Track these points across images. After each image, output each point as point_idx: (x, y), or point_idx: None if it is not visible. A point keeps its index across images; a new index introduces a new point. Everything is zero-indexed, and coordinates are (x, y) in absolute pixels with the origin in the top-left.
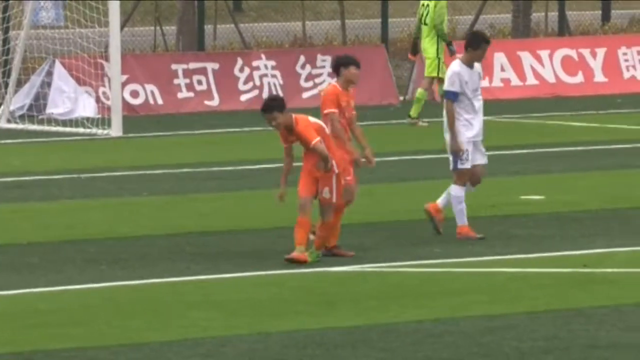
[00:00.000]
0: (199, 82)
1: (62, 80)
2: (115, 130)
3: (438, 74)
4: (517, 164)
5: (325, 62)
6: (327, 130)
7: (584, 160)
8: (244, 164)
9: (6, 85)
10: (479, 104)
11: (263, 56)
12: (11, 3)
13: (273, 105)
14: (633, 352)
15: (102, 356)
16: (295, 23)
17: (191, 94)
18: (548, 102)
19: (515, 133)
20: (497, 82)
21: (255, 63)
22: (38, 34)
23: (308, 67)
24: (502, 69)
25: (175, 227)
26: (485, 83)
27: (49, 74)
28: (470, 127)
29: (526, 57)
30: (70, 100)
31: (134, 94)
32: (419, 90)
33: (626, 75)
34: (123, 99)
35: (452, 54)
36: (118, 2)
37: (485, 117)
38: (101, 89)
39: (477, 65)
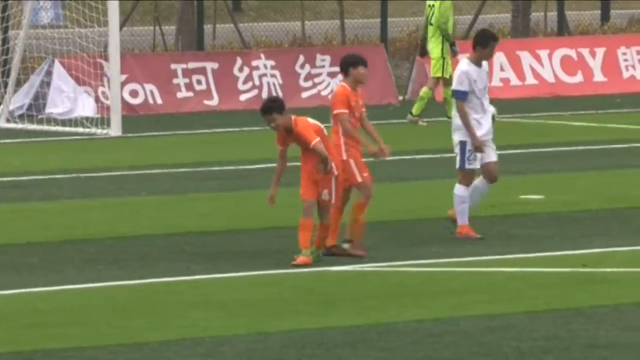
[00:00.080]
0: (199, 82)
1: (62, 79)
2: (115, 130)
3: (443, 74)
4: (517, 163)
5: (324, 61)
6: (340, 131)
7: (583, 160)
8: (243, 163)
9: (5, 84)
10: (486, 102)
11: (262, 56)
12: (10, 3)
13: (272, 107)
14: (632, 352)
15: (101, 356)
16: (295, 23)
17: (190, 94)
18: (547, 102)
19: (514, 133)
20: (496, 82)
21: (254, 63)
22: (37, 33)
23: (307, 66)
24: (502, 69)
25: (174, 227)
26: None
27: (48, 73)
28: (479, 126)
29: (525, 57)
30: (69, 99)
31: (133, 93)
32: (424, 89)
33: (625, 75)
34: (122, 98)
35: (454, 54)
36: (117, 1)
37: None
38: (100, 89)
39: (484, 63)
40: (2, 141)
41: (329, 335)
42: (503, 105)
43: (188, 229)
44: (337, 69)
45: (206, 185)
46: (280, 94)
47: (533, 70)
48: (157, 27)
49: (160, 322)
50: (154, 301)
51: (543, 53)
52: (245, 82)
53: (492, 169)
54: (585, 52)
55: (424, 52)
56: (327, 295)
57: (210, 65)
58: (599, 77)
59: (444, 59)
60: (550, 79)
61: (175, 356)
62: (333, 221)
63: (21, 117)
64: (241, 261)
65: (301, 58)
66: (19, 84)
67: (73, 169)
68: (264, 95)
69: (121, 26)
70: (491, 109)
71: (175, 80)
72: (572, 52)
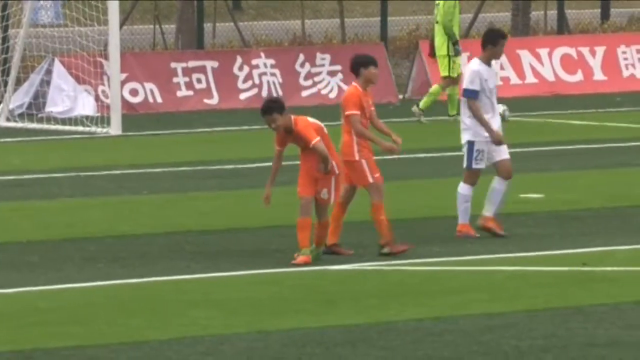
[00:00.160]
0: (199, 81)
1: (62, 78)
2: (115, 128)
3: (449, 72)
4: (517, 162)
5: (324, 60)
6: (351, 130)
7: (583, 159)
8: (243, 162)
9: (5, 83)
10: (495, 102)
11: (262, 55)
12: (10, 1)
13: (273, 107)
14: (632, 350)
15: (102, 354)
16: (295, 21)
17: (190, 93)
18: (547, 101)
19: (514, 132)
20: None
21: (254, 61)
22: (37, 32)
23: (307, 65)
24: (502, 68)
25: (174, 226)
26: None
27: (48, 72)
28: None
29: (525, 56)
30: (69, 98)
31: (133, 92)
32: (435, 86)
33: (625, 73)
34: (122, 97)
35: (457, 53)
36: (117, 0)
37: None
38: (100, 88)
39: (492, 63)
40: (2, 140)
41: (329, 334)
42: (503, 104)
43: (188, 228)
44: (337, 67)
45: (206, 184)
46: (280, 92)
47: (533, 69)
48: (157, 26)
49: (160, 320)
50: (154, 300)
51: (543, 52)
52: (245, 80)
53: (507, 165)
54: (585, 50)
55: (434, 52)
56: (327, 294)
57: (210, 64)
58: (599, 75)
59: (449, 57)
60: (550, 77)
61: (176, 355)
62: (336, 220)
63: (21, 115)
64: (241, 260)
65: (301, 57)
66: (19, 82)
67: (73, 167)
68: (264, 94)
69: (121, 25)
70: (501, 107)
71: (175, 79)
72: (572, 51)
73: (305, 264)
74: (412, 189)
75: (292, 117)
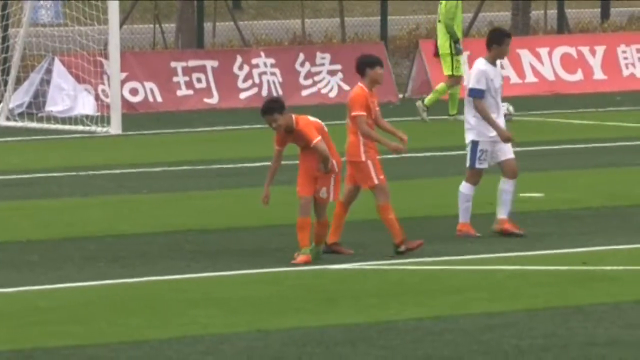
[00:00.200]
0: (199, 80)
1: (62, 77)
2: (115, 127)
3: (452, 71)
4: (517, 161)
5: (324, 59)
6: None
7: (583, 158)
8: (243, 161)
9: (5, 83)
10: (500, 102)
11: (262, 54)
12: (10, 1)
13: (273, 107)
14: (632, 350)
15: (101, 354)
16: (295, 21)
17: (190, 92)
18: (547, 100)
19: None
20: None
21: (254, 61)
22: (37, 31)
23: (307, 64)
24: (501, 67)
25: (174, 225)
26: None
27: (48, 71)
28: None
29: (525, 55)
30: (69, 97)
31: (133, 91)
32: (441, 84)
33: (625, 72)
34: (122, 96)
35: (458, 53)
36: (117, 0)
37: None
38: (100, 87)
39: (497, 63)
40: (2, 139)
41: (329, 334)
42: (507, 102)
43: (188, 227)
44: (337, 67)
45: (206, 183)
46: (280, 92)
47: (533, 68)
48: (157, 25)
49: (160, 319)
50: (154, 299)
51: (543, 51)
52: (245, 80)
53: (511, 164)
54: (585, 50)
55: (438, 52)
56: (327, 293)
57: (210, 64)
58: (598, 75)
59: (452, 55)
60: (550, 77)
61: (176, 354)
62: (337, 219)
63: (21, 115)
64: (241, 259)
65: (301, 56)
66: (19, 82)
67: (73, 166)
68: (264, 93)
69: (121, 24)
70: (505, 105)
71: (175, 78)
72: (572, 50)
73: (306, 263)
74: (413, 188)
75: (293, 116)
